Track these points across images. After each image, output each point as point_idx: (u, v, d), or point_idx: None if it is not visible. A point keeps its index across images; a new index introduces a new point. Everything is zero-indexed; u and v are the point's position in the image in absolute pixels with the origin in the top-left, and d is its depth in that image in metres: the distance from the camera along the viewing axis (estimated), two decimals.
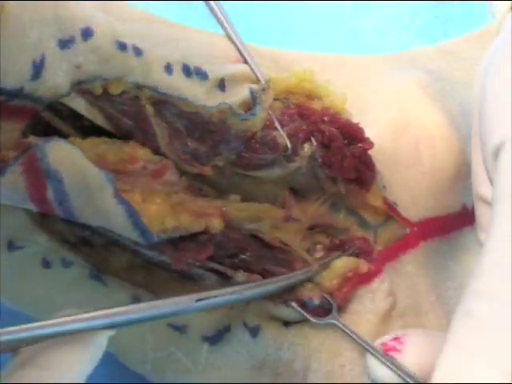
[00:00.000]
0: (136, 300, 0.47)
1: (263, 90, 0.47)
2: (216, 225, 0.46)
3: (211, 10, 0.51)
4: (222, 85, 0.46)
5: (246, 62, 0.49)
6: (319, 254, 0.50)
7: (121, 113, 0.45)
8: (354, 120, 0.49)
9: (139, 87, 0.44)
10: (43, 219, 0.47)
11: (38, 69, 0.40)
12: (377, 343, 0.45)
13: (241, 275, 0.47)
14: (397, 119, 0.51)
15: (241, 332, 0.48)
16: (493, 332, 0.35)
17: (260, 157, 0.46)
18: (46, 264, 0.47)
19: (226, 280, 0.48)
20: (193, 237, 0.46)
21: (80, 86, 0.43)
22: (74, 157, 0.41)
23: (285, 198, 0.49)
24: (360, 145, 0.48)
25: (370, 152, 0.48)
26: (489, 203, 0.43)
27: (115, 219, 0.42)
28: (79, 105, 0.45)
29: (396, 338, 0.44)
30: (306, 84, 0.49)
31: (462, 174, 0.50)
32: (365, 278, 0.49)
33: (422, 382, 0.42)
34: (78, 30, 0.42)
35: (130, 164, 0.45)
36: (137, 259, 0.48)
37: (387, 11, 0.64)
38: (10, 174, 0.40)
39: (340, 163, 0.47)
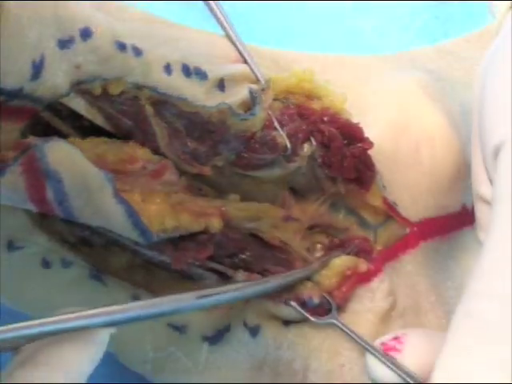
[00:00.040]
0: (136, 300, 0.47)
1: (263, 90, 0.47)
2: (216, 224, 0.46)
3: (211, 10, 0.51)
4: (221, 85, 0.46)
5: (245, 61, 0.49)
6: (319, 254, 0.50)
7: (120, 113, 0.45)
8: (354, 120, 0.49)
9: (139, 87, 0.44)
10: (43, 219, 0.47)
11: (37, 69, 0.40)
12: (376, 343, 0.45)
13: (241, 275, 0.47)
14: (397, 119, 0.51)
15: (241, 332, 0.48)
16: (492, 332, 0.35)
17: (259, 157, 0.46)
18: (46, 264, 0.47)
19: (225, 280, 0.48)
20: (192, 236, 0.46)
21: (79, 86, 0.43)
22: (73, 157, 0.41)
23: (284, 198, 0.49)
24: (360, 145, 0.48)
25: (369, 152, 0.48)
26: (489, 203, 0.43)
27: (115, 219, 0.42)
28: (79, 105, 0.45)
29: (396, 338, 0.44)
30: (306, 84, 0.49)
31: (462, 174, 0.50)
32: (364, 278, 0.49)
33: (422, 381, 0.42)
34: (78, 30, 0.42)
35: (130, 164, 0.45)
36: (136, 259, 0.48)
37: (387, 11, 0.64)
38: (10, 174, 0.40)
39: (340, 163, 0.47)
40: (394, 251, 0.50)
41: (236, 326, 0.48)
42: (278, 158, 0.47)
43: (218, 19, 0.51)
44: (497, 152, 0.39)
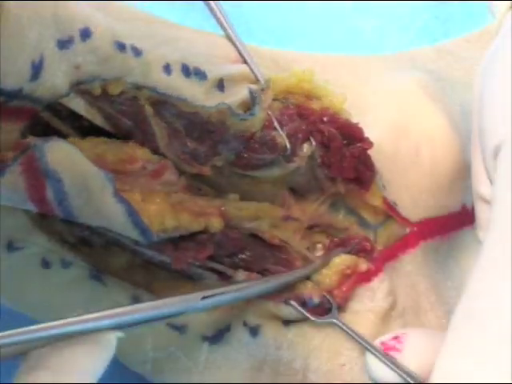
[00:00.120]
0: (136, 300, 0.47)
1: (262, 90, 0.47)
2: (215, 224, 0.46)
3: (211, 10, 0.51)
4: (221, 85, 0.46)
5: (245, 62, 0.49)
6: (319, 254, 0.50)
7: (120, 113, 0.45)
8: (354, 120, 0.49)
9: (138, 87, 0.44)
10: (42, 219, 0.47)
11: (37, 69, 0.40)
12: (376, 342, 0.45)
13: (241, 274, 0.47)
14: (397, 119, 0.51)
15: (241, 331, 0.48)
16: (492, 331, 0.35)
17: (259, 157, 0.46)
18: (46, 264, 0.47)
19: (225, 279, 0.48)
20: (192, 236, 0.46)
21: (79, 87, 0.43)
22: (73, 156, 0.41)
23: (284, 198, 0.49)
24: (359, 145, 0.48)
25: (369, 152, 0.48)
26: (489, 203, 0.43)
27: (115, 218, 0.42)
28: (78, 105, 0.45)
29: (396, 338, 0.44)
30: (306, 84, 0.49)
31: (462, 174, 0.50)
32: (364, 277, 0.49)
33: (422, 381, 0.42)
34: (77, 31, 0.42)
35: (130, 164, 0.45)
36: (136, 259, 0.48)
37: (387, 11, 0.64)
38: (10, 174, 0.40)
39: (339, 163, 0.47)
40: (393, 251, 0.50)
41: (236, 326, 0.48)
42: (277, 158, 0.47)
43: (217, 19, 0.51)
44: (497, 152, 0.39)
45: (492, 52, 0.43)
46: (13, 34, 0.39)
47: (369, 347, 0.45)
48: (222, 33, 0.51)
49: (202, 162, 0.46)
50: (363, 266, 0.49)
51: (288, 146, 0.47)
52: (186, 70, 0.45)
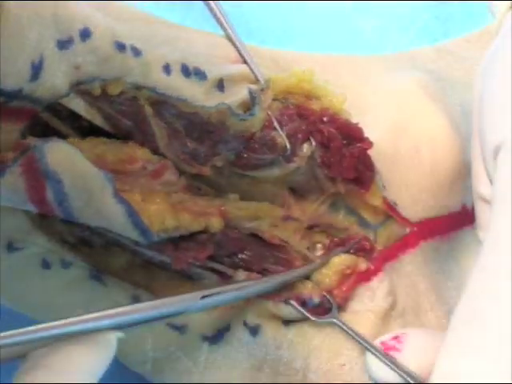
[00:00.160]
0: (136, 300, 0.47)
1: (262, 90, 0.47)
2: (216, 224, 0.46)
3: (211, 10, 0.51)
4: (220, 85, 0.46)
5: (245, 62, 0.49)
6: (319, 253, 0.50)
7: (120, 113, 0.45)
8: (354, 120, 0.49)
9: (138, 87, 0.44)
10: (42, 220, 0.47)
11: (36, 70, 0.40)
12: (376, 342, 0.45)
13: (240, 274, 0.47)
14: (397, 119, 0.51)
15: (241, 331, 0.48)
16: (492, 331, 0.35)
17: (259, 157, 0.46)
18: (46, 265, 0.47)
19: (225, 279, 0.48)
20: (193, 236, 0.46)
21: (79, 87, 0.43)
22: (73, 157, 0.41)
23: (284, 198, 0.49)
24: (359, 145, 0.48)
25: (369, 152, 0.48)
26: (489, 203, 0.43)
27: (115, 219, 0.42)
28: (78, 105, 0.45)
29: (396, 337, 0.44)
30: (305, 84, 0.49)
31: (462, 174, 0.50)
32: (364, 277, 0.49)
33: (422, 381, 0.42)
34: (77, 31, 0.42)
35: (129, 164, 0.45)
36: (136, 259, 0.48)
37: (387, 11, 0.64)
38: (10, 175, 0.40)
39: (339, 163, 0.47)
40: (393, 251, 0.50)
41: (236, 326, 0.48)
42: (277, 158, 0.47)
43: (217, 19, 0.51)
44: (497, 152, 0.39)
45: (492, 52, 0.43)
46: (13, 34, 0.39)
47: (369, 347, 0.45)
48: (221, 33, 0.51)
49: (202, 162, 0.46)
50: (363, 265, 0.49)
51: (288, 146, 0.47)
52: (186, 70, 0.45)
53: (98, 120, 0.46)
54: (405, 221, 0.50)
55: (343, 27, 0.63)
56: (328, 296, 0.48)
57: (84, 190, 0.41)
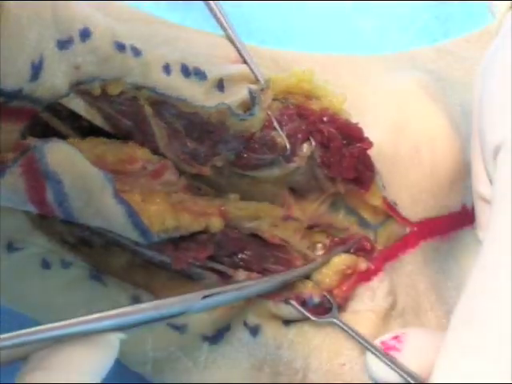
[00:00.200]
0: (136, 300, 0.47)
1: (262, 90, 0.47)
2: (216, 224, 0.46)
3: (211, 10, 0.51)
4: (220, 85, 0.46)
5: (245, 62, 0.49)
6: (319, 253, 0.50)
7: (120, 113, 0.45)
8: (354, 120, 0.49)
9: (138, 87, 0.44)
10: (42, 220, 0.47)
11: (36, 70, 0.40)
12: (377, 342, 0.45)
13: (241, 274, 0.47)
14: (397, 119, 0.51)
15: (241, 331, 0.48)
16: (492, 331, 0.35)
17: (259, 157, 0.46)
18: (46, 265, 0.47)
19: (225, 279, 0.48)
20: (193, 236, 0.46)
21: (79, 87, 0.43)
22: (72, 157, 0.41)
23: (284, 198, 0.49)
24: (359, 145, 0.48)
25: (369, 152, 0.48)
26: (489, 203, 0.43)
27: (115, 219, 0.42)
28: (78, 105, 0.45)
29: (396, 337, 0.44)
30: (305, 84, 0.49)
31: (462, 174, 0.50)
32: (364, 277, 0.49)
33: (422, 381, 0.42)
34: (77, 31, 0.42)
35: (129, 164, 0.45)
36: (136, 259, 0.48)
37: (387, 11, 0.64)
38: (10, 175, 0.40)
39: (339, 163, 0.47)
40: (394, 251, 0.50)
41: (236, 326, 0.48)
42: (277, 158, 0.47)
43: (217, 19, 0.51)
44: (496, 152, 0.39)
45: (492, 52, 0.43)
46: (13, 35, 0.39)
47: (369, 347, 0.45)
48: (221, 33, 0.51)
49: (202, 162, 0.46)
50: (363, 265, 0.49)
51: (288, 146, 0.47)
52: (186, 70, 0.45)
53: (97, 120, 0.46)
54: (405, 221, 0.50)
55: (343, 27, 0.63)
56: (328, 296, 0.48)
57: (84, 191, 0.41)
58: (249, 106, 0.47)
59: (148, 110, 0.45)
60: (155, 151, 0.46)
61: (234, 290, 0.45)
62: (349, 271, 0.49)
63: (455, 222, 0.51)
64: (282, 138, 0.46)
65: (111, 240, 0.48)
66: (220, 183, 0.48)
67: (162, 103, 0.45)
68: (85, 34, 0.42)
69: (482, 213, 0.45)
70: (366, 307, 0.49)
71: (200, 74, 0.46)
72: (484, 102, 0.41)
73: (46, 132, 0.45)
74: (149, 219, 0.44)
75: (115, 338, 0.39)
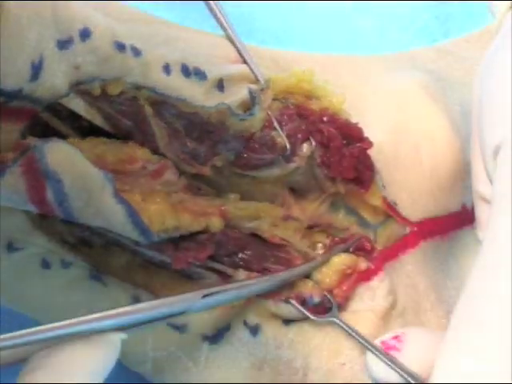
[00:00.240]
0: (136, 300, 0.47)
1: (262, 90, 0.47)
2: (216, 224, 0.46)
3: (211, 10, 0.51)
4: (220, 85, 0.46)
5: (245, 62, 0.49)
6: (320, 253, 0.50)
7: (119, 113, 0.45)
8: (354, 120, 0.49)
9: (138, 87, 0.44)
10: (42, 220, 0.47)
11: (36, 70, 0.40)
12: (377, 341, 0.45)
13: (241, 274, 0.47)
14: (397, 119, 0.51)
15: (241, 331, 0.48)
16: (492, 330, 0.35)
17: (259, 157, 0.47)
18: (46, 265, 0.47)
19: (225, 279, 0.48)
20: (193, 236, 0.46)
21: (79, 87, 0.43)
22: (73, 157, 0.41)
23: (284, 198, 0.49)
24: (359, 144, 0.48)
25: (369, 152, 0.48)
26: (489, 202, 0.43)
27: (115, 219, 0.42)
28: (78, 105, 0.45)
29: (396, 337, 0.44)
30: (305, 84, 0.49)
31: (462, 174, 0.51)
32: (364, 277, 0.49)
33: (422, 381, 0.42)
34: (76, 31, 0.42)
35: (129, 164, 0.45)
36: (136, 259, 0.48)
37: (387, 11, 0.64)
38: (10, 175, 0.40)
39: (339, 163, 0.47)
40: (394, 251, 0.50)
41: (236, 325, 0.48)
42: (277, 158, 0.47)
43: (217, 19, 0.51)
44: (496, 152, 0.39)
45: (492, 52, 0.43)
46: (12, 35, 0.39)
47: (369, 346, 0.45)
48: (221, 33, 0.51)
49: (202, 162, 0.46)
50: (362, 264, 0.49)
51: (288, 146, 0.47)
52: (186, 70, 0.45)
53: (97, 120, 0.46)
54: (405, 221, 0.50)
55: (343, 27, 0.63)
56: (328, 295, 0.48)
57: (84, 190, 0.41)
58: (249, 105, 0.47)
59: (148, 109, 0.45)
60: (155, 151, 0.46)
61: (234, 288, 0.45)
62: (349, 271, 0.49)
63: (455, 222, 0.51)
64: (281, 137, 0.47)
65: (111, 240, 0.48)
66: (220, 183, 0.48)
67: (161, 103, 0.45)
68: (85, 34, 0.42)
69: (481, 213, 0.45)
70: (366, 307, 0.49)
71: (200, 74, 0.46)
72: (484, 102, 0.42)
73: (46, 132, 0.45)
74: (149, 219, 0.44)
75: (117, 338, 0.39)
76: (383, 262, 0.50)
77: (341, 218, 0.50)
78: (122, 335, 0.39)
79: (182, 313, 0.42)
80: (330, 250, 0.49)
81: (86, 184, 0.41)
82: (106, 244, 0.48)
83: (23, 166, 0.40)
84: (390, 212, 0.50)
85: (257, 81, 0.48)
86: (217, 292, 0.44)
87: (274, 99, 0.48)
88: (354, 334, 0.47)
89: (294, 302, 0.47)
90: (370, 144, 0.48)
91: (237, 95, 0.46)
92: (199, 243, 0.46)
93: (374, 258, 0.50)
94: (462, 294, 0.37)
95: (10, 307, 0.48)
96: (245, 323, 0.48)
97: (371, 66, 0.55)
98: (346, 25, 0.63)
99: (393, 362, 0.43)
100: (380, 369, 0.43)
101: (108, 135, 0.46)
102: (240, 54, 0.49)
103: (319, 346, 0.48)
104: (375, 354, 0.44)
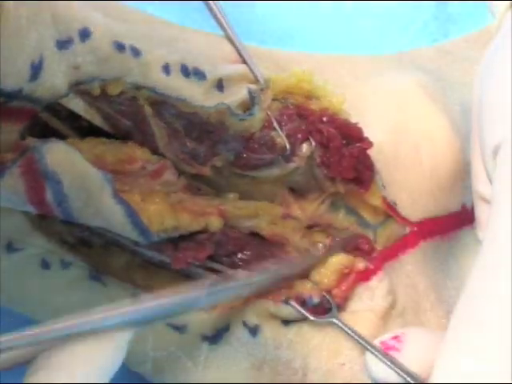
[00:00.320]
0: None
1: (262, 90, 0.47)
2: (215, 223, 0.46)
3: (210, 10, 0.51)
4: (220, 85, 0.46)
5: (244, 62, 0.49)
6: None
7: (119, 113, 0.45)
8: (354, 120, 0.49)
9: (137, 87, 0.44)
10: (42, 221, 0.47)
11: (36, 70, 0.40)
12: (376, 342, 0.45)
13: (240, 274, 0.47)
14: (397, 119, 0.51)
15: (240, 331, 0.48)
16: (492, 330, 0.35)
17: (258, 157, 0.46)
18: (45, 265, 0.48)
19: None
20: (192, 236, 0.46)
21: (78, 87, 0.43)
22: (72, 158, 0.41)
23: (283, 197, 0.49)
24: (359, 144, 0.48)
25: (369, 152, 0.48)
26: (488, 202, 0.43)
27: (114, 219, 0.43)
28: (77, 105, 0.45)
29: (395, 337, 0.44)
30: (305, 84, 0.49)
31: (462, 174, 0.51)
32: (363, 277, 0.49)
33: (422, 381, 0.42)
34: (76, 31, 0.42)
35: (129, 164, 0.45)
36: (136, 259, 0.48)
37: (387, 11, 0.64)
38: (9, 176, 0.40)
39: (338, 163, 0.47)
40: (393, 251, 0.50)
41: (235, 326, 0.48)
42: (276, 158, 0.47)
43: (217, 19, 0.51)
44: (496, 151, 0.39)
45: (492, 52, 0.43)
46: (12, 35, 0.39)
47: (368, 347, 0.45)
48: (221, 33, 0.51)
49: (202, 162, 0.46)
50: (360, 264, 0.49)
51: (287, 146, 0.47)
52: (186, 71, 0.45)
53: (97, 120, 0.46)
54: (405, 221, 0.50)
55: (343, 27, 0.63)
56: (327, 296, 0.48)
57: (83, 191, 0.41)
58: (248, 106, 0.47)
59: (148, 109, 0.45)
60: (155, 151, 0.46)
61: (237, 280, 0.45)
62: (346, 271, 0.48)
63: (455, 222, 0.51)
64: (281, 137, 0.47)
65: (111, 240, 0.48)
66: (220, 183, 0.48)
67: (161, 103, 0.45)
68: (84, 34, 0.42)
69: (481, 213, 0.45)
70: (365, 307, 0.49)
71: (199, 74, 0.46)
72: (484, 102, 0.42)
73: (45, 132, 0.45)
74: (148, 219, 0.44)
75: (123, 338, 0.39)
76: (383, 262, 0.50)
77: (341, 218, 0.50)
78: (128, 335, 0.39)
79: (185, 309, 0.42)
80: (329, 248, 0.49)
81: (85, 184, 0.41)
82: (105, 244, 0.48)
83: (22, 166, 0.40)
84: (390, 212, 0.50)
85: (256, 81, 0.48)
86: (219, 284, 0.44)
87: (274, 99, 0.48)
88: (353, 334, 0.47)
89: (293, 302, 0.47)
90: (370, 144, 0.48)
91: (236, 95, 0.46)
92: (198, 243, 0.46)
93: (374, 258, 0.50)
94: (462, 294, 0.37)
95: (10, 307, 0.48)
96: (244, 324, 0.48)
97: (371, 66, 0.55)
98: (346, 25, 0.63)
99: (392, 363, 0.43)
100: (379, 369, 0.43)
101: (107, 135, 0.46)
102: (239, 54, 0.49)
103: (319, 347, 0.48)
104: (375, 355, 0.44)
